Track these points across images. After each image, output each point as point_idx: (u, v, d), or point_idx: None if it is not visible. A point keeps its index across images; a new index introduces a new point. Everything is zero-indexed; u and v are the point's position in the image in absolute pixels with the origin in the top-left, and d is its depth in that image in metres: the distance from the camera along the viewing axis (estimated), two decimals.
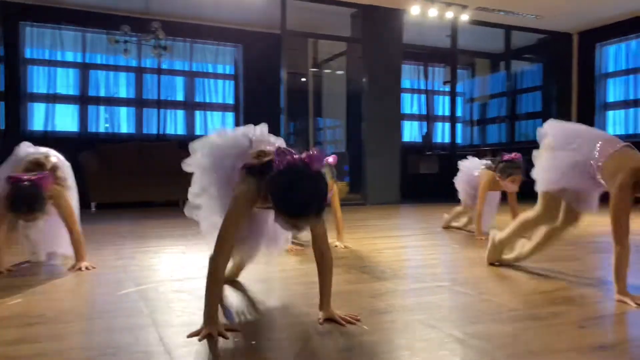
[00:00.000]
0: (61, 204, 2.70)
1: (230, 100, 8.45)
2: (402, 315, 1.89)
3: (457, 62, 8.58)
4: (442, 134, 9.92)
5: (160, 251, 3.40)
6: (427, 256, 3.30)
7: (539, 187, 2.42)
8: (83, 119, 7.49)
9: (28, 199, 2.51)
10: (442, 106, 9.93)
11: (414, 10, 7.00)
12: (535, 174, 2.43)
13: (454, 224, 4.36)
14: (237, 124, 8.46)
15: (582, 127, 2.41)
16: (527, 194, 2.66)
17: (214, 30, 8.06)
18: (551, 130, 2.40)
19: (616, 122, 8.22)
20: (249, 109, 8.34)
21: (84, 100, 7.49)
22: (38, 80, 7.25)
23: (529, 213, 2.54)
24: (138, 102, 7.81)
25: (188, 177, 2.06)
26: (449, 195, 4.60)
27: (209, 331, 1.59)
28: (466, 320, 1.84)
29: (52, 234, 2.85)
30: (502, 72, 9.40)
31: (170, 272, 2.71)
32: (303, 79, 8.97)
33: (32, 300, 2.11)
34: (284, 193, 1.56)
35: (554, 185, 2.35)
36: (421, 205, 7.14)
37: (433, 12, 7.04)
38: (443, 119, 9.93)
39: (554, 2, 7.18)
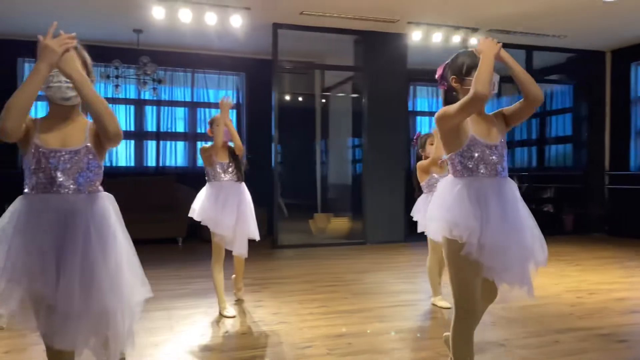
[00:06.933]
0: None
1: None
2: None
3: None
4: None
5: None
6: None
7: None
8: None
9: None
10: None
11: (415, 36, 6.45)
12: None
13: None
14: None
15: None
16: None
17: (214, 59, 7.80)
18: None
19: None
20: (253, 137, 8.04)
21: None
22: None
23: None
24: (138, 135, 7.65)
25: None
26: None
27: None
28: None
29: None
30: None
31: None
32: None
33: None
34: None
35: None
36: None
37: (437, 36, 6.47)
38: None
39: (582, 21, 6.41)
